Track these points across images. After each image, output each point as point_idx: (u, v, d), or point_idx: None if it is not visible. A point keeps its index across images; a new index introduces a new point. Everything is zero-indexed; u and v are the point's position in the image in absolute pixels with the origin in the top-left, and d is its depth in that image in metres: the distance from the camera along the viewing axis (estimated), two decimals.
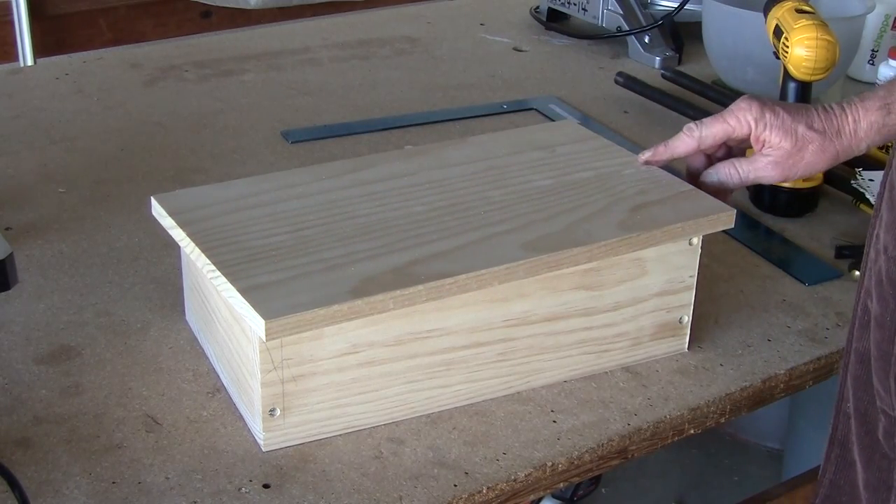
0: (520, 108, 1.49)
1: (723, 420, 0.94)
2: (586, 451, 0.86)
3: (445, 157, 1.01)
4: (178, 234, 0.88)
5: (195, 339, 0.96)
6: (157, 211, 0.91)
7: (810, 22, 1.15)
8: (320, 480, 0.81)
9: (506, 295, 0.86)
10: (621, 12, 1.69)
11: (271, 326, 0.75)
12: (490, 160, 1.00)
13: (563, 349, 0.91)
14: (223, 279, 0.80)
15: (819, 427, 1.77)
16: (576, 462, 0.85)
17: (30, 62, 1.92)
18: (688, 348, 0.97)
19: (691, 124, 0.98)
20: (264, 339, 0.76)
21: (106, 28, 2.02)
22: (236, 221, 0.88)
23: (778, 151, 0.95)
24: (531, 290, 0.87)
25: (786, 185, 1.18)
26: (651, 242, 0.90)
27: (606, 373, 0.94)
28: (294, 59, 1.64)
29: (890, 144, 1.23)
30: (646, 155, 0.99)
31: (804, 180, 1.18)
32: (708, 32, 1.54)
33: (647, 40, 1.67)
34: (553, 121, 1.42)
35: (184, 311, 0.99)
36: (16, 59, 1.93)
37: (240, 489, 0.80)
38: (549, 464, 0.84)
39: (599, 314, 0.92)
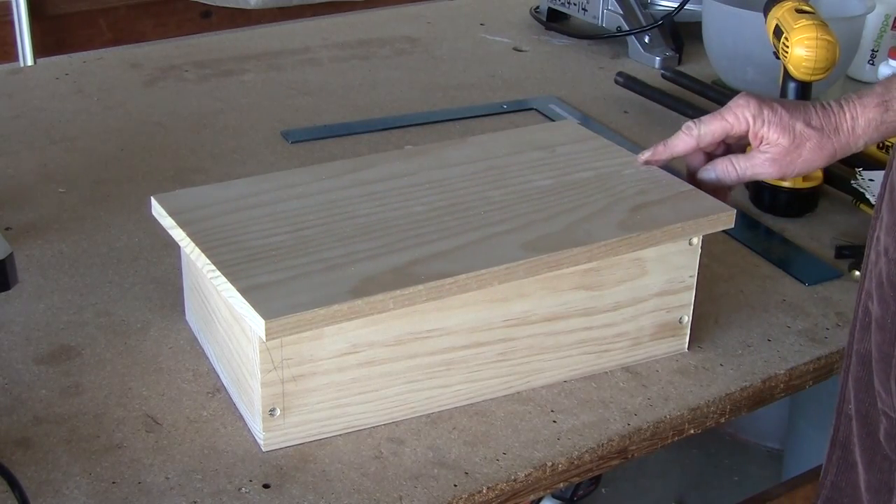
0: (520, 108, 1.49)
1: (723, 420, 0.94)
2: (586, 451, 0.86)
3: (445, 157, 1.01)
4: (178, 234, 0.88)
5: (195, 339, 0.96)
6: (157, 211, 0.91)
7: (810, 22, 1.15)
8: (320, 480, 0.81)
9: (506, 295, 0.86)
10: (621, 12, 1.69)
11: (271, 326, 0.75)
12: (490, 160, 1.00)
13: (563, 349, 0.91)
14: (223, 279, 0.80)
15: (819, 427, 1.77)
16: (576, 462, 0.85)
17: (30, 62, 1.92)
18: (688, 348, 0.97)
19: (690, 123, 0.98)
20: (264, 338, 0.76)
21: (106, 28, 2.02)
22: (236, 221, 0.88)
23: (776, 148, 0.95)
24: (531, 290, 0.87)
25: (786, 184, 1.18)
26: (651, 242, 0.90)
27: (606, 373, 0.94)
28: (294, 59, 1.64)
29: (890, 144, 1.23)
30: (645, 155, 0.99)
31: (804, 180, 1.18)
32: (708, 32, 1.54)
33: (647, 40, 1.67)
34: (553, 121, 1.42)
35: (184, 311, 0.99)
36: (16, 59, 1.93)
37: (240, 489, 0.80)
38: (549, 464, 0.84)
39: (599, 314, 0.92)
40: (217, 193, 0.93)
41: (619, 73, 1.52)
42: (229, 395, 0.89)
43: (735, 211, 0.93)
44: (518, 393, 0.91)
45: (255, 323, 0.76)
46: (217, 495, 0.79)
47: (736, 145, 1.00)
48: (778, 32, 1.18)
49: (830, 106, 0.96)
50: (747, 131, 0.96)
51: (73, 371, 0.92)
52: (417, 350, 0.85)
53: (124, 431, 0.85)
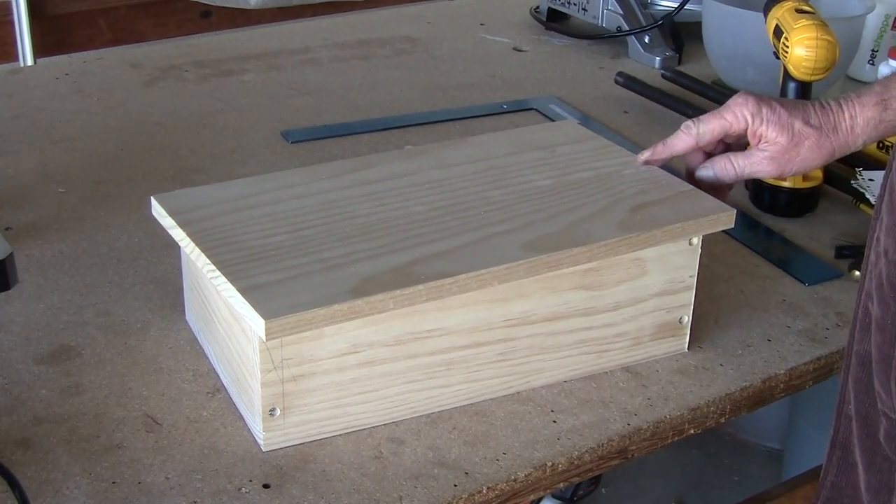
0: (520, 108, 1.49)
1: (723, 420, 0.94)
2: (586, 451, 0.86)
3: (445, 157, 1.01)
4: (178, 234, 0.88)
5: (195, 339, 0.96)
6: (157, 211, 0.91)
7: (810, 22, 1.15)
8: (320, 480, 0.81)
9: (506, 295, 0.86)
10: (621, 12, 1.69)
11: (271, 326, 0.75)
12: (490, 160, 1.00)
13: (563, 349, 0.91)
14: (223, 279, 0.80)
15: (819, 427, 1.77)
16: (576, 462, 0.85)
17: (30, 62, 1.92)
18: (688, 348, 0.97)
19: (689, 122, 0.98)
20: (264, 338, 0.76)
21: (106, 28, 2.02)
22: (236, 221, 0.88)
23: (774, 146, 0.95)
24: (531, 290, 0.87)
25: (786, 184, 1.18)
26: (651, 242, 0.90)
27: (606, 373, 0.94)
28: (294, 59, 1.64)
29: (890, 144, 1.23)
30: (645, 155, 0.99)
31: (804, 180, 1.18)
32: (708, 32, 1.54)
33: (647, 40, 1.67)
34: (553, 121, 1.42)
35: (184, 311, 0.99)
36: (16, 59, 1.93)
37: (240, 489, 0.80)
38: (549, 464, 0.84)
39: (599, 314, 0.92)
40: (217, 193, 0.93)
41: (619, 73, 1.52)
42: (229, 395, 0.89)
43: (735, 211, 0.93)
44: (518, 393, 0.91)
45: (255, 323, 0.76)
46: (217, 495, 0.79)
47: (735, 144, 1.00)
48: (778, 32, 1.18)
49: (829, 105, 0.96)
50: (746, 130, 0.96)
51: (73, 371, 0.92)
52: (417, 350, 0.85)
53: (124, 431, 0.85)
